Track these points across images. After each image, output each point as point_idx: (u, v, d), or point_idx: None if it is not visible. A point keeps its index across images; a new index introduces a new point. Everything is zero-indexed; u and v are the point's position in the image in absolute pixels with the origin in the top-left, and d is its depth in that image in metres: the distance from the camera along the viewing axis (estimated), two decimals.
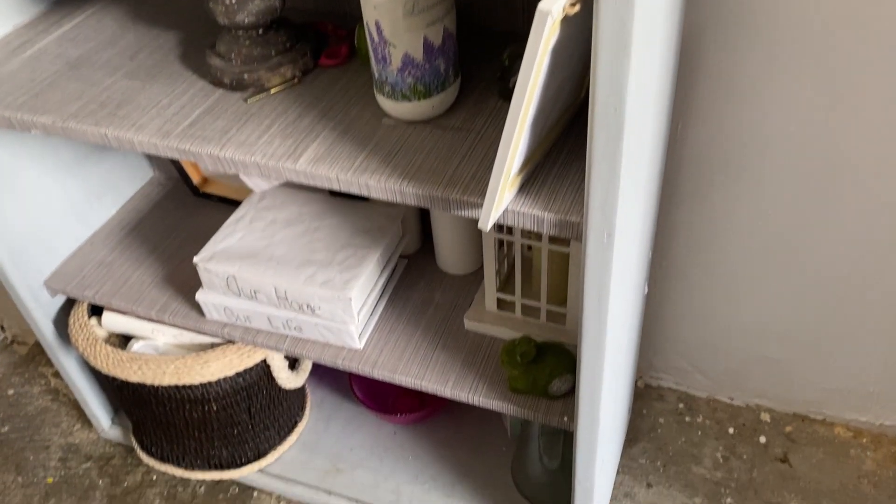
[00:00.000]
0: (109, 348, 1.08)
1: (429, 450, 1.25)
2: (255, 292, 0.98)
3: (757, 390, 1.30)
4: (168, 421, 1.15)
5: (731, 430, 1.29)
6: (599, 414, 0.80)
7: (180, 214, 1.23)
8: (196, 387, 1.07)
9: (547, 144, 0.71)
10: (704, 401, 1.33)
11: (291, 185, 1.12)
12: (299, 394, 1.28)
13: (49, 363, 1.50)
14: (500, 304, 0.99)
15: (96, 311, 1.15)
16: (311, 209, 1.06)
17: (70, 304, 1.18)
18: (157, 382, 1.06)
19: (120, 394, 1.16)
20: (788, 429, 1.28)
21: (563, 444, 1.10)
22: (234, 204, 1.22)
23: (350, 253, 0.99)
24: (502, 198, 0.63)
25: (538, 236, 0.92)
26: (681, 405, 1.33)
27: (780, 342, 1.21)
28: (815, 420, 1.28)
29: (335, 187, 0.74)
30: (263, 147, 0.77)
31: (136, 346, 1.09)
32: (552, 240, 0.89)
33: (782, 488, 1.20)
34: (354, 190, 0.73)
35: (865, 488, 1.19)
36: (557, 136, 0.74)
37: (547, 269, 0.92)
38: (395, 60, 0.71)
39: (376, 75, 0.75)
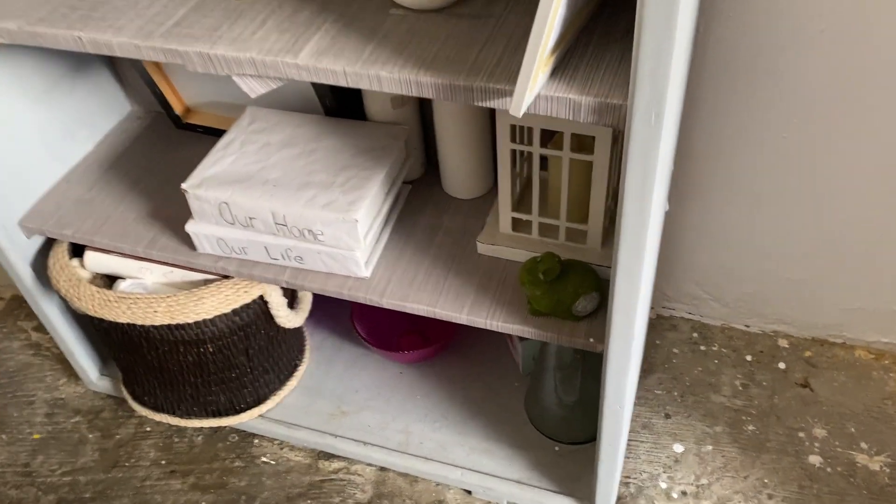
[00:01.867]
0: (94, 289, 1.00)
1: (437, 388, 1.19)
2: (250, 220, 0.91)
3: (774, 316, 1.25)
4: (161, 366, 1.08)
5: (748, 358, 1.24)
6: (634, 330, 0.74)
7: (162, 147, 1.15)
8: (190, 326, 1.00)
9: (578, 25, 0.64)
10: (719, 329, 1.28)
11: (283, 108, 1.04)
12: (298, 336, 1.21)
13: (29, 317, 1.42)
14: (515, 224, 0.93)
15: (77, 252, 1.07)
16: (307, 130, 0.98)
17: (48, 246, 1.10)
18: (147, 322, 0.98)
19: (108, 339, 1.08)
20: (808, 354, 1.24)
21: (580, 377, 1.05)
22: (220, 134, 1.13)
23: (352, 174, 0.91)
24: (536, 78, 0.56)
25: (558, 145, 0.85)
26: (695, 334, 1.28)
27: (800, 262, 1.16)
28: (834, 344, 1.24)
29: (340, 82, 0.66)
30: (258, 43, 0.69)
31: (123, 285, 1.02)
32: (574, 148, 0.82)
33: (805, 413, 1.16)
34: (364, 84, 0.65)
35: (890, 410, 1.15)
36: (587, 18, 0.66)
37: (567, 181, 0.85)
38: None
39: None
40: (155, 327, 1.00)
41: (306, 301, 1.14)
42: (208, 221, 0.94)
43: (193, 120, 1.15)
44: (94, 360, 1.25)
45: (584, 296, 0.83)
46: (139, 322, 0.98)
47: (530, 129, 0.91)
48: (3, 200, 1.02)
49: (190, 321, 0.99)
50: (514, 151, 0.86)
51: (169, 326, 1.00)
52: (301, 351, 1.22)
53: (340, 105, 1.00)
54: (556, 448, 1.10)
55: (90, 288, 1.00)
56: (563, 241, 0.91)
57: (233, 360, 1.07)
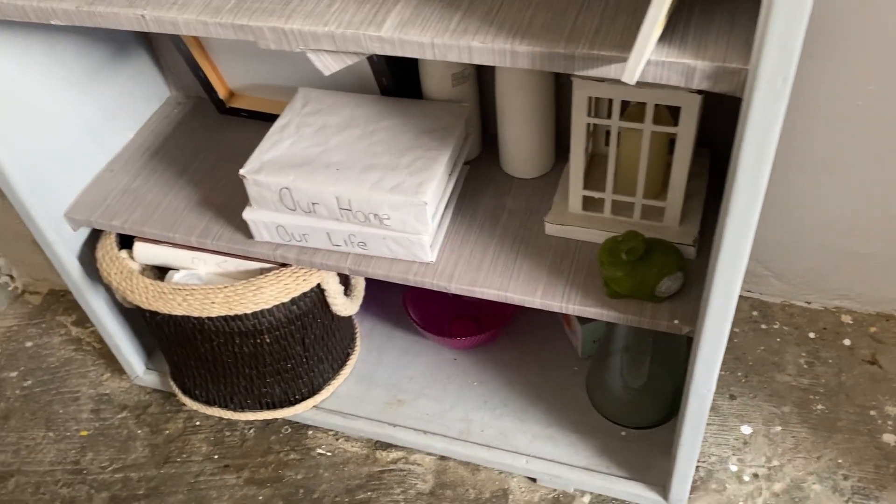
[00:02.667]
0: (148, 281, 0.97)
1: (494, 374, 1.16)
2: (312, 205, 0.87)
3: (837, 291, 1.21)
4: (215, 358, 1.04)
5: (811, 335, 1.21)
6: (731, 312, 0.71)
7: (207, 133, 1.11)
8: (247, 317, 0.97)
9: None
10: (779, 306, 1.25)
11: (334, 88, 1.00)
12: (349, 323, 1.18)
13: (67, 311, 1.39)
14: (585, 203, 0.89)
15: (125, 243, 1.04)
16: (365, 111, 0.94)
17: (94, 237, 1.07)
18: (204, 314, 0.95)
19: (160, 333, 1.05)
20: (873, 329, 1.20)
21: (649, 360, 1.02)
22: (265, 118, 1.10)
23: (417, 155, 0.88)
24: (653, 41, 0.52)
25: (632, 117, 0.81)
26: (755, 313, 1.25)
27: (867, 236, 1.12)
28: None
29: (427, 55, 0.62)
30: (337, 15, 0.65)
31: (177, 276, 0.99)
32: (656, 120, 0.79)
33: (875, 391, 1.13)
34: (453, 56, 0.62)
35: None
36: None
37: (647, 156, 0.81)
38: None
39: None
40: (210, 319, 0.97)
41: (360, 287, 1.11)
42: (267, 208, 0.90)
43: (237, 104, 1.11)
44: (139, 354, 1.22)
45: (669, 276, 0.80)
46: (195, 314, 0.95)
47: (604, 103, 0.87)
48: (50, 192, 0.99)
49: (248, 312, 0.96)
50: (588, 124, 0.82)
51: (225, 318, 0.97)
52: (353, 339, 1.19)
53: (398, 83, 0.96)
54: (623, 433, 1.07)
55: (143, 280, 0.97)
56: (637, 219, 0.88)
57: (289, 350, 1.04)
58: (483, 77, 0.97)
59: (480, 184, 0.99)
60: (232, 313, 0.95)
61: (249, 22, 0.66)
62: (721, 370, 1.17)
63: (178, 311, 0.95)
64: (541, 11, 0.62)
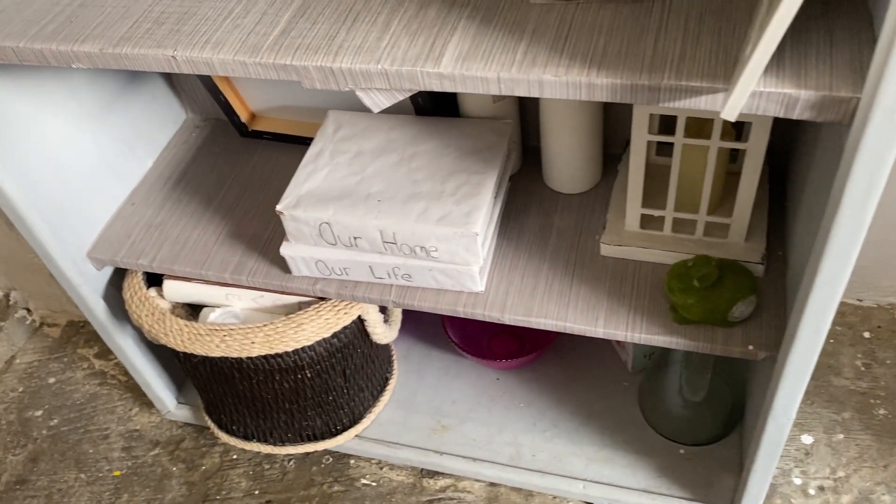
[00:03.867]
0: (182, 322, 0.92)
1: (540, 394, 1.11)
2: (354, 239, 0.82)
3: (891, 288, 1.17)
4: (254, 395, 1.00)
5: (866, 335, 1.16)
6: (820, 341, 0.66)
7: (230, 158, 1.06)
8: (288, 354, 0.92)
9: None
10: None
11: (367, 110, 0.95)
12: (386, 348, 1.13)
13: (88, 343, 1.34)
14: (643, 221, 0.84)
15: (152, 281, 0.99)
16: (401, 133, 0.89)
17: (118, 275, 1.02)
18: (244, 355, 0.91)
19: (194, 371, 1.01)
20: None
21: (710, 376, 0.97)
22: (289, 140, 1.05)
23: (461, 180, 0.83)
24: (759, 73, 0.47)
25: (691, 132, 0.76)
26: None
27: None
28: None
29: (493, 91, 0.57)
30: (389, 51, 0.59)
31: (213, 315, 0.94)
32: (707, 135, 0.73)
33: None
34: (521, 90, 0.56)
35: None
36: None
37: (713, 172, 0.76)
38: None
39: None
40: (250, 358, 0.92)
41: (397, 313, 1.06)
42: (306, 243, 0.85)
43: (260, 127, 1.06)
44: (169, 387, 1.17)
45: (742, 301, 0.75)
46: (234, 355, 0.91)
47: (664, 118, 0.82)
48: (71, 231, 0.93)
49: (289, 349, 0.91)
50: (650, 142, 0.77)
51: (265, 356, 0.92)
52: (390, 363, 1.14)
53: (434, 102, 0.90)
54: (681, 451, 1.03)
55: (177, 322, 0.92)
56: (699, 236, 0.83)
57: (330, 382, 1.00)
58: None
59: (523, 200, 0.94)
60: (272, 352, 0.91)
61: (293, 61, 0.60)
62: None
63: (216, 353, 0.91)
64: (614, 37, 0.57)
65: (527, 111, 0.94)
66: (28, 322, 1.37)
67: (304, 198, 0.83)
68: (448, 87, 0.58)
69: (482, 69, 0.56)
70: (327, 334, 0.92)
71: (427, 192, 0.82)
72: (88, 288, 0.97)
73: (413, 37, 0.60)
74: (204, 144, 1.09)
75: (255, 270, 0.91)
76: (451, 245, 0.79)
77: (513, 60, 0.57)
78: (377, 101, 0.63)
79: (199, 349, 0.91)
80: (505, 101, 0.89)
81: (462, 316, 0.85)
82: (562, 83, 0.55)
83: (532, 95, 0.56)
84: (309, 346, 0.92)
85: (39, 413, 1.26)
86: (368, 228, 0.81)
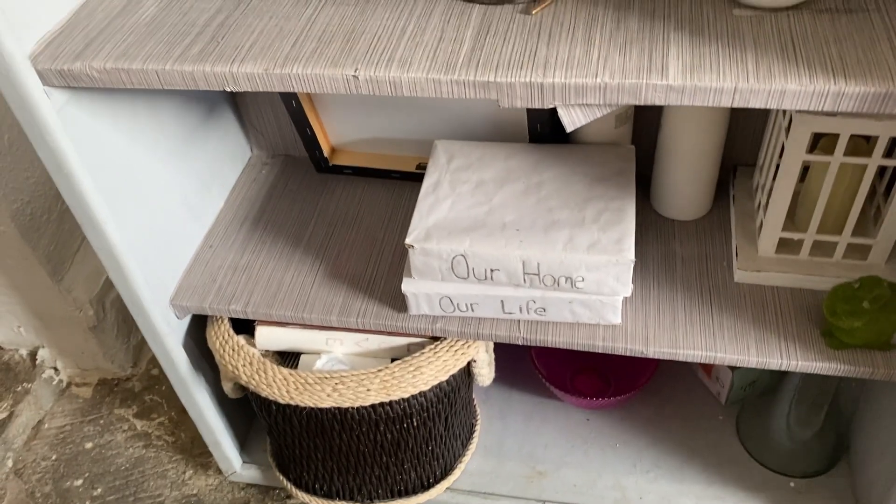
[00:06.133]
0: (286, 371, 0.84)
1: (634, 433, 1.07)
2: (491, 271, 0.78)
3: None
4: (349, 448, 0.92)
5: None
6: None
7: (309, 195, 1.00)
8: (398, 401, 0.86)
9: None
10: None
11: (464, 137, 0.91)
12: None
13: (125, 403, 1.24)
14: (779, 245, 0.82)
15: (237, 328, 0.91)
16: (519, 162, 0.85)
17: (196, 323, 0.94)
18: (358, 404, 0.84)
19: (281, 426, 0.92)
20: None
21: (827, 408, 0.95)
22: (370, 174, 1.00)
23: (600, 207, 0.79)
24: None
25: (828, 150, 0.74)
26: None
27: None
28: None
29: (725, 102, 0.54)
30: (603, 64, 0.56)
31: (319, 362, 0.87)
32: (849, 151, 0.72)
33: None
34: (759, 101, 0.53)
35: None
36: None
37: (866, 191, 0.75)
38: None
39: None
40: (358, 407, 0.85)
41: (491, 351, 1.01)
42: (432, 278, 0.80)
43: (340, 161, 1.00)
44: (235, 446, 1.08)
45: None
46: (347, 404, 0.84)
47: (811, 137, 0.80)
48: (157, 278, 0.86)
49: (405, 395, 0.84)
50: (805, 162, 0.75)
51: (373, 404, 0.86)
52: (474, 407, 1.08)
53: (554, 128, 0.87)
54: (791, 484, 0.99)
55: (280, 371, 0.84)
56: (839, 258, 0.81)
57: (433, 430, 0.93)
58: (641, 115, 0.90)
59: (638, 228, 0.90)
60: (389, 399, 0.84)
61: (496, 78, 0.56)
62: None
63: (327, 403, 0.84)
64: (843, 46, 0.55)
65: (640, 138, 0.91)
66: (55, 382, 1.26)
67: (433, 230, 0.78)
68: (674, 101, 0.54)
69: (716, 80, 0.53)
70: (444, 377, 0.86)
71: (566, 220, 0.78)
72: (173, 338, 0.89)
73: (625, 50, 0.57)
74: (277, 181, 1.03)
75: (365, 311, 0.85)
76: (602, 274, 0.75)
77: (746, 71, 0.54)
78: (575, 118, 0.59)
79: (308, 400, 0.84)
80: (626, 125, 0.86)
81: (601, 351, 0.80)
82: (808, 93, 0.52)
83: (771, 106, 0.53)
84: (420, 392, 0.86)
85: (80, 482, 1.14)
86: (510, 259, 0.76)
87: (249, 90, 0.61)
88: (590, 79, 0.55)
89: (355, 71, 0.58)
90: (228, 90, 0.61)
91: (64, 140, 0.68)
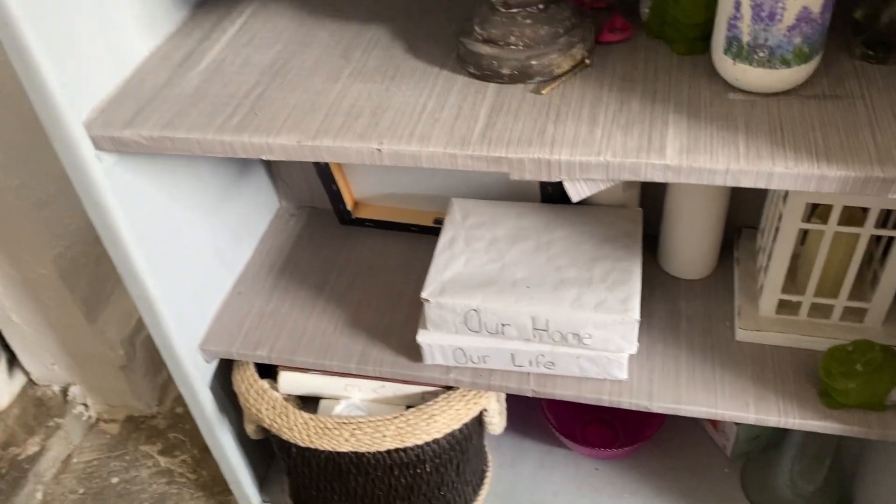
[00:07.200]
0: (307, 415, 0.89)
1: (642, 484, 1.10)
2: (502, 326, 0.82)
3: None
4: (364, 492, 0.96)
5: None
6: None
7: (332, 246, 1.05)
8: (413, 447, 0.90)
9: None
10: None
11: (481, 196, 0.96)
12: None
13: (151, 440, 1.28)
14: (779, 306, 0.86)
15: (262, 373, 0.96)
16: (532, 221, 0.90)
17: (223, 367, 0.99)
18: (374, 449, 0.88)
19: (300, 468, 0.97)
20: None
21: (829, 463, 0.97)
22: (390, 227, 1.05)
23: (608, 267, 0.84)
24: None
25: (825, 218, 0.78)
26: None
27: None
28: None
29: (718, 182, 0.59)
30: (606, 142, 0.61)
31: (338, 407, 0.91)
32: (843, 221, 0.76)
33: None
34: (748, 181, 0.58)
35: None
36: None
37: (860, 258, 0.79)
38: (789, 16, 0.57)
39: (746, 39, 0.60)
40: (373, 452, 0.90)
41: (503, 403, 1.05)
42: (447, 331, 0.84)
43: (363, 214, 1.06)
44: (255, 485, 1.12)
45: None
46: (364, 449, 0.88)
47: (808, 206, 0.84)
48: (188, 323, 0.91)
49: (419, 442, 0.89)
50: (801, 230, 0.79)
51: (388, 450, 0.90)
52: (485, 454, 1.12)
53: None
54: None
55: (301, 415, 0.89)
56: (835, 320, 0.85)
57: (445, 476, 0.97)
58: None
59: (645, 286, 0.94)
60: (404, 445, 0.88)
61: (507, 153, 0.62)
62: None
63: (345, 448, 0.88)
64: (827, 131, 0.59)
65: (647, 200, 0.96)
66: (85, 418, 1.31)
67: (448, 285, 0.83)
68: (671, 179, 0.59)
69: (709, 161, 0.58)
70: (457, 426, 0.90)
71: (574, 278, 0.82)
72: (200, 381, 0.94)
73: (626, 130, 0.62)
74: (303, 232, 1.08)
75: (382, 359, 0.89)
76: (608, 332, 0.80)
77: (737, 153, 0.59)
78: (580, 190, 0.64)
79: (326, 444, 0.88)
80: (634, 189, 0.91)
81: (607, 405, 0.84)
82: (792, 175, 0.57)
83: (758, 186, 0.58)
84: (434, 439, 0.90)
85: None
86: (520, 315, 0.81)
87: (284, 159, 0.67)
88: (593, 157, 0.60)
89: (380, 145, 0.64)
90: (265, 158, 0.67)
91: (111, 198, 0.74)
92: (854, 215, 0.80)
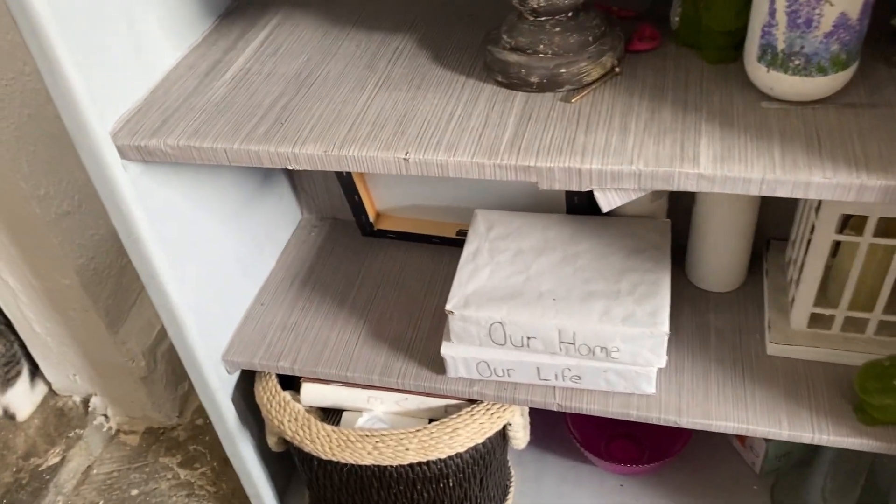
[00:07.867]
0: (329, 427, 0.88)
1: (668, 500, 1.07)
2: (527, 339, 0.81)
3: None
4: None
5: None
6: None
7: (354, 257, 1.05)
8: (436, 461, 0.89)
9: None
10: None
11: (504, 207, 0.95)
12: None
13: (171, 452, 1.28)
14: (811, 320, 0.84)
15: (284, 384, 0.96)
16: (557, 233, 0.89)
17: (244, 379, 0.98)
18: (396, 462, 0.87)
19: (323, 482, 0.96)
20: None
21: (863, 481, 0.95)
22: (412, 238, 1.04)
23: (636, 279, 0.82)
24: None
25: (860, 227, 0.76)
26: None
27: None
28: None
29: (753, 191, 0.57)
30: (638, 151, 0.60)
31: (361, 420, 0.90)
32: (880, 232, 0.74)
33: None
34: (784, 191, 0.57)
35: None
36: None
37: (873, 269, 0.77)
38: (826, 23, 0.56)
39: (781, 47, 0.59)
40: (398, 466, 0.88)
41: (527, 415, 1.03)
42: (471, 343, 0.83)
43: (385, 225, 1.05)
44: (275, 498, 1.11)
45: None
46: (386, 462, 0.87)
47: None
48: (210, 334, 0.90)
49: (442, 456, 0.87)
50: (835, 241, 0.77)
51: (411, 463, 0.88)
52: (508, 469, 1.10)
53: (591, 200, 0.91)
54: None
55: (324, 427, 0.88)
56: (870, 335, 0.83)
57: (469, 491, 0.95)
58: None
59: (673, 299, 0.93)
60: (427, 459, 0.87)
61: (536, 163, 0.61)
62: None
63: (367, 461, 0.87)
64: (866, 139, 0.58)
65: (675, 211, 0.95)
66: (105, 429, 1.31)
67: (472, 297, 0.82)
68: (705, 188, 0.58)
69: (744, 170, 0.57)
70: (480, 440, 0.88)
71: (602, 291, 0.81)
72: (223, 393, 0.93)
73: (658, 139, 0.61)
74: (325, 244, 1.08)
75: (405, 372, 0.88)
76: (636, 346, 0.78)
77: (772, 162, 0.57)
78: (611, 200, 0.63)
79: (349, 457, 0.87)
80: (662, 200, 0.90)
81: (634, 419, 0.83)
82: (830, 185, 0.55)
83: (796, 196, 0.56)
84: (457, 453, 0.89)
85: None
86: (546, 328, 0.79)
87: (309, 169, 0.66)
88: (625, 166, 0.59)
89: (406, 154, 0.63)
90: (290, 168, 0.67)
91: (136, 208, 0.74)
92: (889, 226, 0.79)
